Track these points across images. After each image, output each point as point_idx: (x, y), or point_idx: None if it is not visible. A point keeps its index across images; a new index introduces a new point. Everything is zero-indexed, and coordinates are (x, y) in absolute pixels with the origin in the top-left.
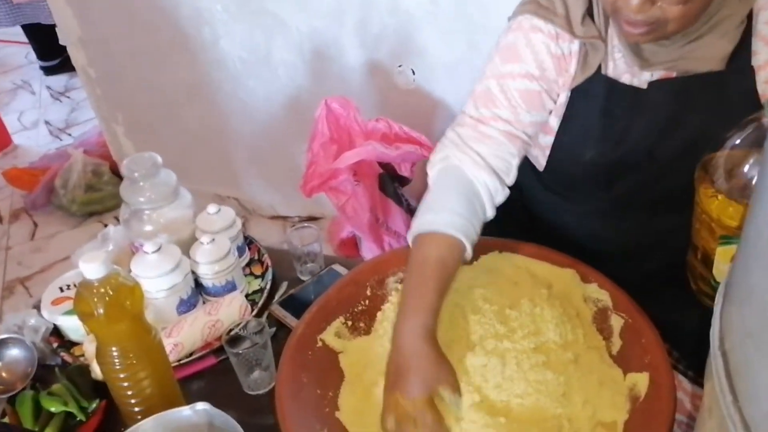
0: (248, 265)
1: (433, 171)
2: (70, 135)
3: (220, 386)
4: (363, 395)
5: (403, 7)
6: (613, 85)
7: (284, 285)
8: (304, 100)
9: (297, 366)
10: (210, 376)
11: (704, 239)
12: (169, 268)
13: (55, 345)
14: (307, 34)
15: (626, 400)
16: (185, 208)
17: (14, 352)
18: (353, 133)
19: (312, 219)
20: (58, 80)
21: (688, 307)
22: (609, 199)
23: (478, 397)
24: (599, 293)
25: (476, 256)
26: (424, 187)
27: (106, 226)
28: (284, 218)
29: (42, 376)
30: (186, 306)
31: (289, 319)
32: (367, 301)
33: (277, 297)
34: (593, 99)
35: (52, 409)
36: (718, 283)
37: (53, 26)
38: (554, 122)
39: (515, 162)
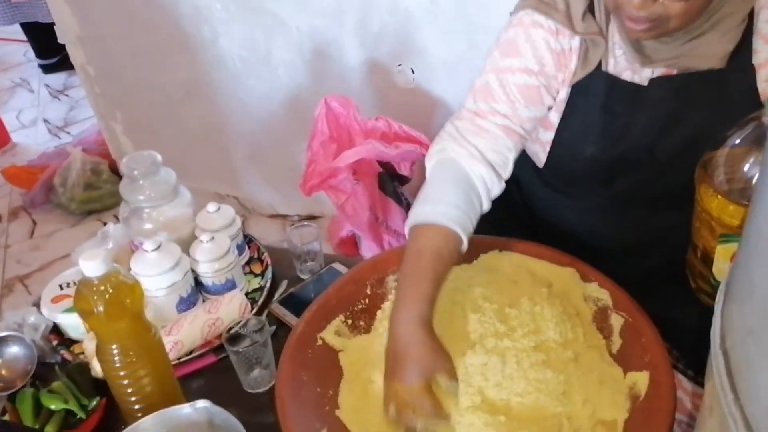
0: (248, 263)
1: (430, 163)
2: (68, 133)
3: (220, 384)
4: (363, 393)
5: (403, 6)
6: (614, 81)
7: (284, 283)
8: (303, 99)
9: (297, 364)
10: (210, 374)
11: (704, 238)
12: (169, 267)
13: (54, 343)
14: (306, 34)
15: (626, 399)
16: (185, 206)
17: (14, 350)
18: (353, 132)
19: (311, 218)
20: (57, 78)
21: (687, 304)
22: (609, 196)
23: (478, 397)
24: (599, 292)
25: (476, 254)
26: None
27: (105, 224)
28: (284, 217)
29: (42, 373)
30: (186, 304)
31: (289, 317)
32: (367, 300)
33: (277, 295)
34: (594, 95)
35: (53, 407)
36: (717, 282)
37: (52, 24)
38: (555, 118)
39: (512, 156)
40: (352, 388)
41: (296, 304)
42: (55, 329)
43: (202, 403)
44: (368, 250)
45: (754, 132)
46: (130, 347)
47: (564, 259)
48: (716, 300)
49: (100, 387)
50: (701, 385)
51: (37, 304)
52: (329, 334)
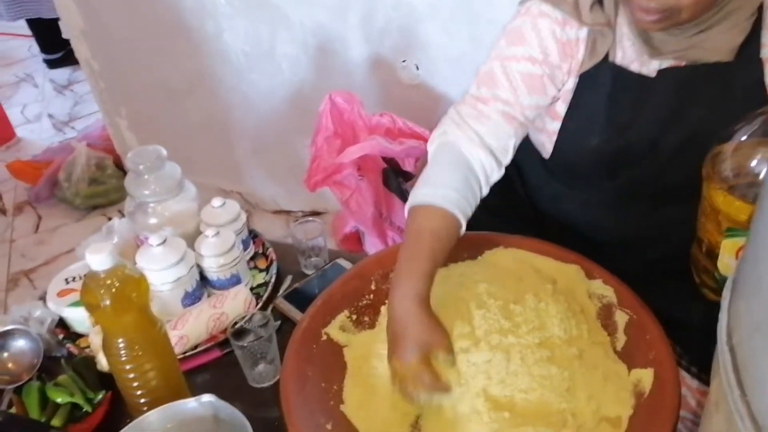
0: (253, 258)
1: (432, 146)
2: (73, 128)
3: (225, 379)
4: (367, 389)
5: (407, 1)
6: (621, 72)
7: (289, 279)
8: (307, 94)
9: (302, 359)
10: (215, 368)
11: (709, 232)
12: (174, 261)
13: (60, 336)
14: (310, 29)
15: (631, 396)
16: (190, 200)
17: (20, 344)
18: (357, 128)
19: (315, 214)
20: (62, 73)
21: (691, 300)
22: (612, 189)
23: (482, 395)
24: (604, 289)
25: (480, 251)
26: None
27: (109, 219)
28: (287, 213)
29: (48, 367)
30: (191, 299)
31: (293, 312)
32: (371, 295)
33: (281, 291)
34: (600, 86)
35: (59, 400)
36: (722, 276)
37: (56, 19)
38: (561, 108)
39: (512, 143)
40: (357, 383)
41: (301, 299)
42: (61, 323)
43: (207, 398)
44: (372, 246)
45: (761, 127)
46: (136, 341)
47: (569, 255)
48: (723, 296)
49: (106, 381)
50: (705, 381)
51: (43, 298)
52: (334, 330)
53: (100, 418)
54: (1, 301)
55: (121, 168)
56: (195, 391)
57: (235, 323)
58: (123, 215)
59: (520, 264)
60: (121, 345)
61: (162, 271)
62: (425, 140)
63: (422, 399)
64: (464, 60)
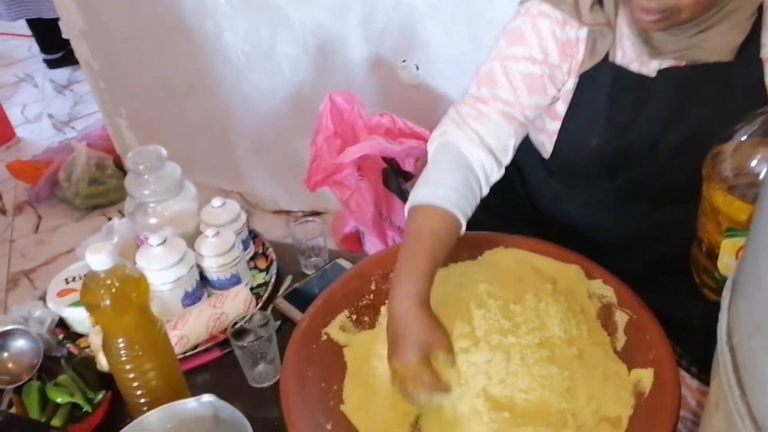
0: (253, 258)
1: (432, 146)
2: (73, 128)
3: (225, 379)
4: (367, 389)
5: (407, 1)
6: (621, 72)
7: (289, 279)
8: (307, 94)
9: (302, 359)
10: (215, 368)
11: (709, 232)
12: (174, 261)
13: (60, 336)
14: (310, 29)
15: (631, 396)
16: (190, 200)
17: (20, 343)
18: (357, 128)
19: (315, 214)
20: (62, 73)
21: (691, 300)
22: (612, 189)
23: (482, 395)
24: (604, 289)
25: (481, 251)
26: None
27: (109, 219)
28: (287, 213)
29: (48, 367)
30: (191, 299)
31: (293, 312)
32: (371, 295)
33: (281, 290)
34: (600, 86)
35: (59, 400)
36: (721, 276)
37: (56, 19)
38: (561, 108)
39: (512, 143)
40: (357, 383)
41: (301, 299)
42: (61, 323)
43: (207, 398)
44: (372, 246)
45: (761, 127)
46: (136, 341)
47: (569, 255)
48: (723, 296)
49: (106, 381)
50: (705, 381)
51: (43, 298)
52: (334, 330)
53: (100, 418)
54: (1, 301)
55: (121, 168)
56: (195, 391)
57: (235, 323)
58: (123, 215)
59: (520, 264)
60: (121, 345)
61: (162, 271)
62: (425, 140)
63: (422, 399)
64: (464, 60)
